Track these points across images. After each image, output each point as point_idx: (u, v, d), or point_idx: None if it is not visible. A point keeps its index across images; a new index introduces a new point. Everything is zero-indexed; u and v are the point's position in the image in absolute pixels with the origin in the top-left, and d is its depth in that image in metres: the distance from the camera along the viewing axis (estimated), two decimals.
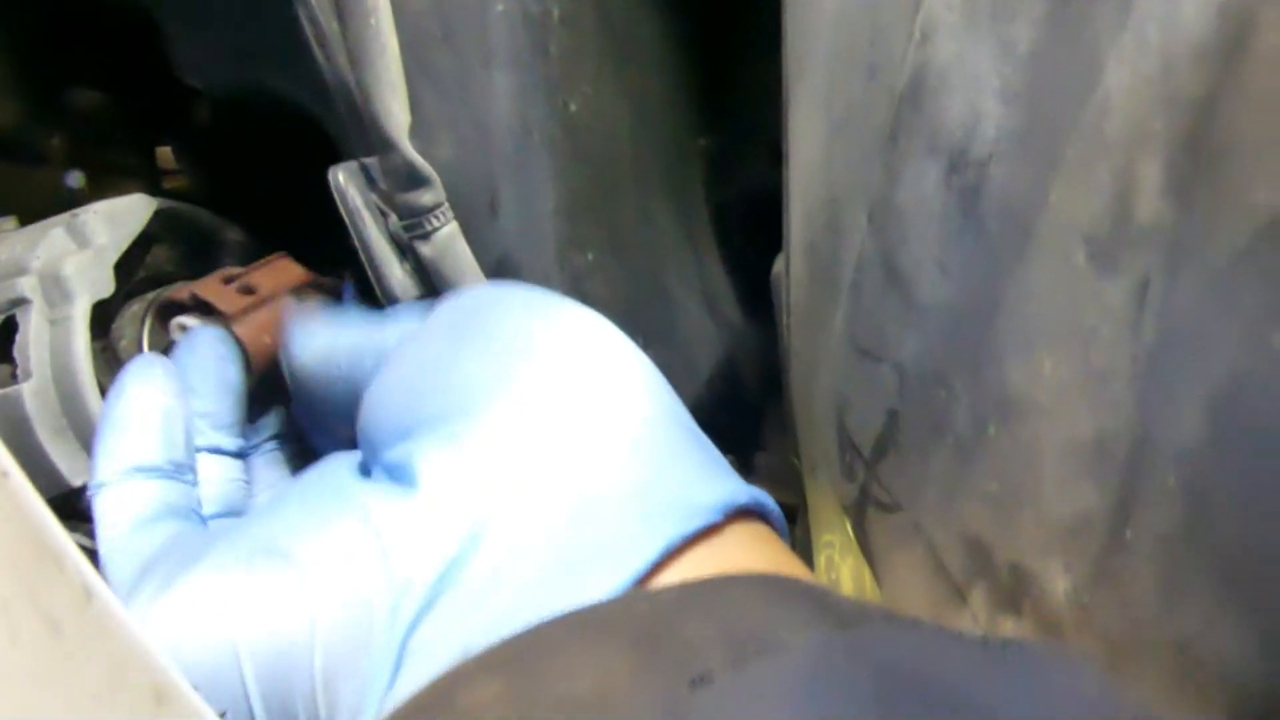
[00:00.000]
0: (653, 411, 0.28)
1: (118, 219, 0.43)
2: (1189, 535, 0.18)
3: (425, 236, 0.34)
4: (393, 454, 0.27)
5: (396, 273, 0.35)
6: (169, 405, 0.33)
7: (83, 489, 0.40)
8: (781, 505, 0.72)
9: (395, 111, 0.32)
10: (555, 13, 0.38)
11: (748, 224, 0.64)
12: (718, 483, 0.27)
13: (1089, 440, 0.20)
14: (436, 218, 0.34)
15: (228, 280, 0.41)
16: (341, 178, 0.35)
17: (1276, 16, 0.15)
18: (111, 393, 0.34)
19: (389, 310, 0.35)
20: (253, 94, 0.44)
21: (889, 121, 0.27)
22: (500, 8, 0.36)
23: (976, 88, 0.21)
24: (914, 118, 0.25)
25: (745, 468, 0.70)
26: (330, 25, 0.35)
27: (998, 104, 0.21)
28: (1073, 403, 0.20)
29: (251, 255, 0.51)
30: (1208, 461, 0.17)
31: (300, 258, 0.44)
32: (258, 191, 0.59)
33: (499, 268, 0.38)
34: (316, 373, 0.33)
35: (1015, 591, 0.24)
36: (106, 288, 0.41)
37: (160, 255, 0.47)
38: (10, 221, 0.49)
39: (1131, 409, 0.19)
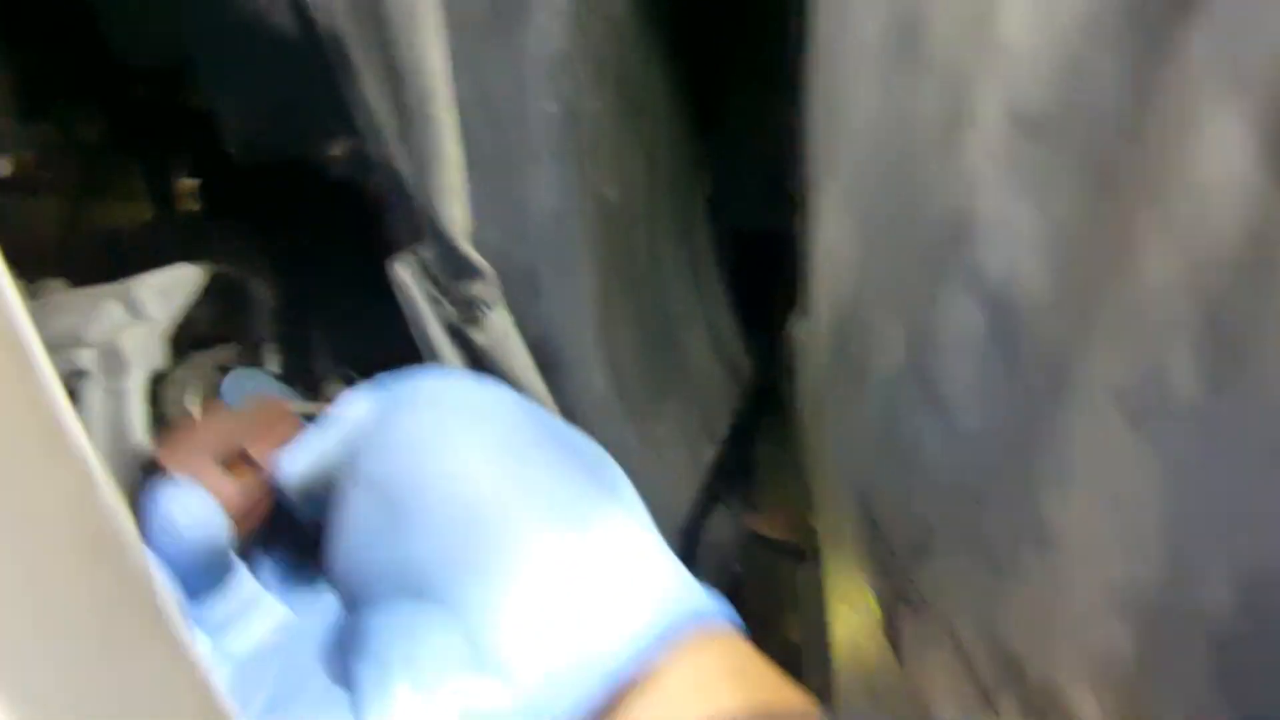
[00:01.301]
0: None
1: (169, 291, 0.45)
2: (1216, 693, 0.19)
3: (479, 324, 0.36)
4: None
5: (452, 360, 0.37)
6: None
7: None
8: (789, 547, 0.72)
9: (456, 216, 0.34)
10: (592, 103, 0.39)
11: (752, 264, 0.65)
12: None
13: (1121, 584, 0.21)
14: (490, 307, 0.36)
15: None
16: (400, 270, 0.36)
17: None
18: None
19: (346, 400, 0.36)
20: (295, 166, 0.45)
21: (927, 246, 0.28)
22: (543, 103, 0.38)
23: (1016, 245, 0.23)
24: (954, 254, 0.26)
25: (750, 506, 0.71)
26: (384, 117, 0.36)
27: (1037, 264, 0.22)
28: (1106, 546, 0.22)
29: (281, 317, 0.53)
30: (1236, 632, 0.18)
31: (324, 314, 0.46)
32: (286, 245, 0.60)
33: (539, 349, 0.40)
34: (313, 489, 0.35)
35: (1045, 707, 0.25)
36: (160, 360, 0.43)
37: (198, 316, 0.49)
38: (58, 284, 0.51)
39: (1164, 566, 0.20)
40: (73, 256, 0.82)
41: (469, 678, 0.26)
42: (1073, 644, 0.24)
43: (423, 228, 0.36)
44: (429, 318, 0.36)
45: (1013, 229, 0.23)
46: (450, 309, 0.36)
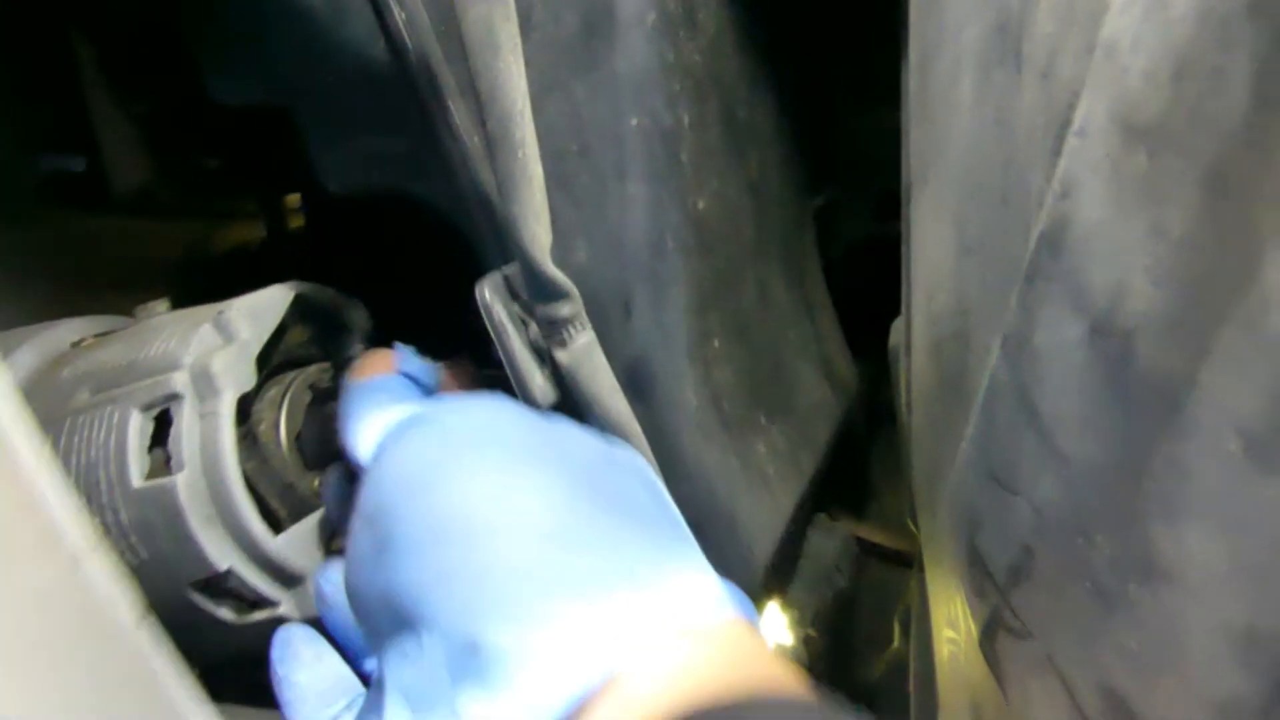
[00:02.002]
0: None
1: (259, 313, 0.46)
2: None
3: (563, 345, 0.36)
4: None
5: (538, 380, 0.36)
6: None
7: (229, 571, 0.42)
8: (896, 552, 0.71)
9: (539, 236, 0.33)
10: (686, 120, 0.39)
11: (858, 276, 0.64)
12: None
13: (1240, 628, 0.20)
14: (574, 327, 0.36)
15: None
16: (488, 292, 0.36)
17: None
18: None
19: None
20: (385, 198, 0.46)
21: (1025, 258, 0.26)
22: (634, 122, 0.37)
23: (1123, 261, 0.21)
24: (1053, 267, 0.25)
25: (858, 515, 0.70)
26: (472, 141, 0.36)
27: (1146, 282, 0.21)
28: (1223, 588, 0.20)
29: (374, 338, 0.54)
30: None
31: (416, 335, 0.46)
32: (382, 269, 0.61)
33: (632, 368, 0.39)
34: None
35: None
36: (250, 381, 0.44)
37: (293, 339, 0.50)
38: (163, 304, 0.53)
39: None
40: (192, 277, 0.85)
41: (464, 694, 0.26)
42: (1186, 687, 0.22)
43: (509, 249, 0.36)
44: (514, 339, 0.36)
45: (1120, 244, 0.21)
46: (535, 330, 0.36)
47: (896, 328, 0.53)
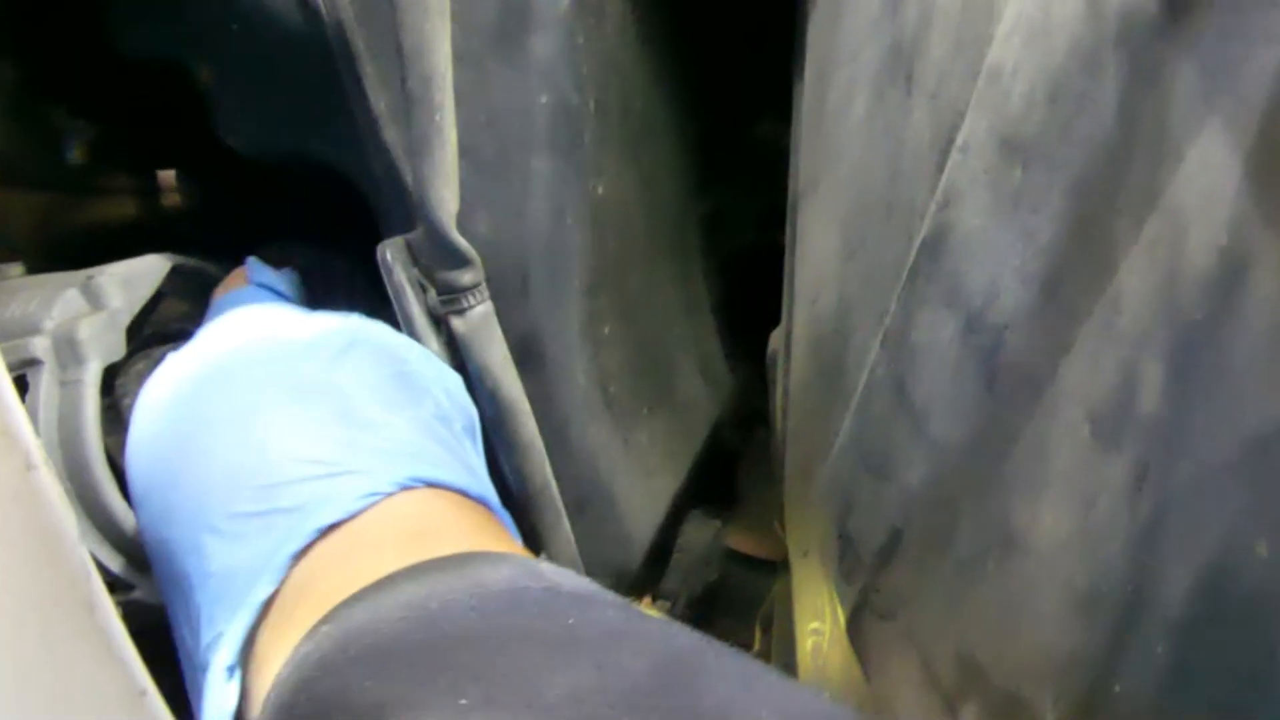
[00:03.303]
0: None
1: (133, 281, 0.43)
2: (1172, 700, 0.20)
3: (461, 313, 0.36)
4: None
5: (433, 346, 0.37)
6: None
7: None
8: (759, 560, 0.73)
9: (447, 200, 0.34)
10: (591, 105, 0.40)
11: (739, 283, 0.66)
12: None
13: (1083, 591, 0.22)
14: (474, 296, 0.36)
15: None
16: (389, 254, 0.36)
17: (1271, 264, 0.17)
18: None
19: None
20: (287, 157, 0.45)
21: (907, 262, 0.29)
22: (544, 99, 0.38)
23: (997, 263, 0.24)
24: (932, 269, 0.27)
25: (723, 517, 0.72)
26: (380, 105, 0.36)
27: (1016, 282, 0.23)
28: (1069, 554, 0.23)
29: None
30: (1193, 637, 0.19)
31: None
32: (266, 233, 0.60)
33: (525, 343, 0.40)
34: None
35: (1006, 714, 0.26)
36: (118, 351, 0.42)
37: (168, 311, 0.48)
38: (16, 268, 0.50)
39: (1124, 573, 0.21)
40: (50, 250, 0.80)
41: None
42: (1035, 649, 0.25)
43: (414, 213, 0.36)
44: (413, 303, 0.37)
45: (994, 248, 0.24)
46: (434, 296, 0.37)
47: (776, 335, 0.56)
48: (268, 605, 0.28)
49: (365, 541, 0.27)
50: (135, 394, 0.46)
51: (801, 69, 0.42)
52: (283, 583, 0.27)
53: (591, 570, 0.45)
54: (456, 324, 0.36)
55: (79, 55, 0.48)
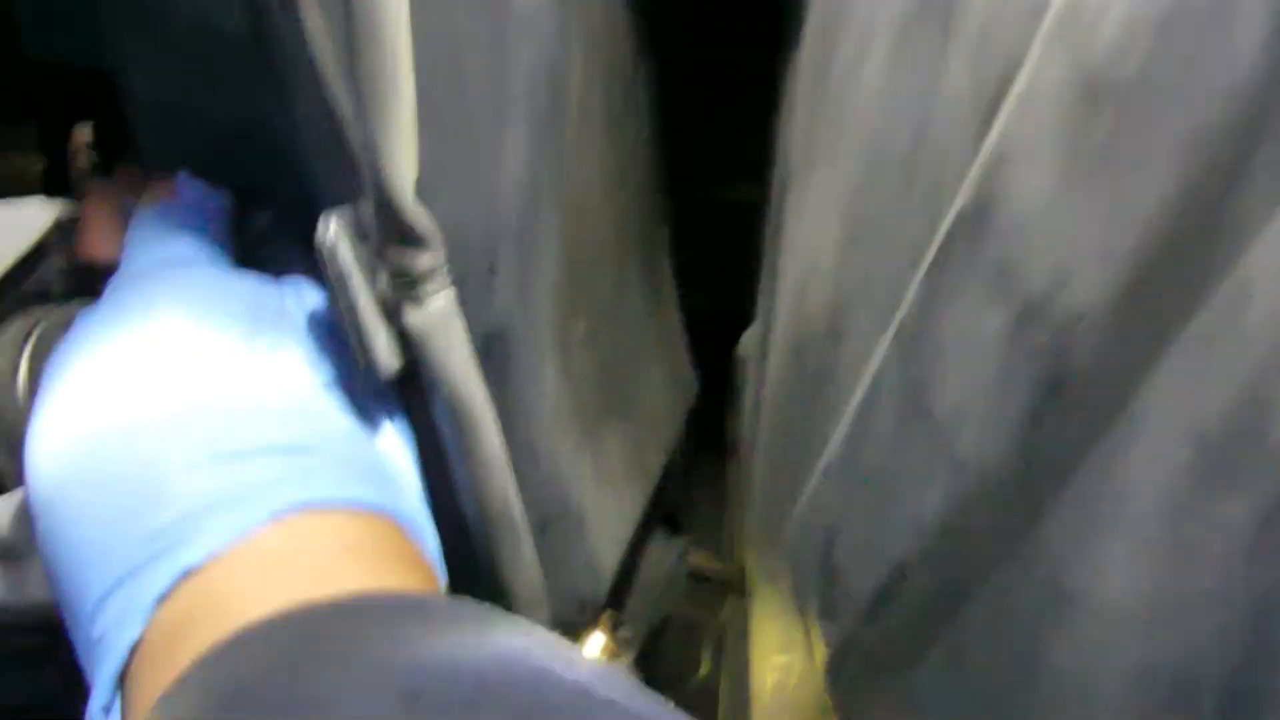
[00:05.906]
0: None
1: (9, 229, 0.38)
2: None
3: (418, 303, 0.30)
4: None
5: (381, 341, 0.31)
6: None
7: None
8: (714, 578, 0.68)
9: (403, 165, 0.28)
10: (579, 65, 0.34)
11: (708, 285, 0.62)
12: None
13: (1165, 675, 0.17)
14: (432, 282, 0.30)
15: None
16: (333, 230, 0.30)
17: None
18: None
19: None
20: (203, 112, 0.39)
21: (931, 244, 0.24)
22: (523, 55, 0.32)
23: (1068, 239, 0.19)
24: (971, 249, 0.22)
25: (676, 529, 0.67)
26: (324, 51, 0.30)
27: (1095, 263, 0.18)
28: (1148, 624, 0.18)
29: None
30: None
31: None
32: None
33: (491, 341, 0.34)
34: None
35: None
36: None
37: (52, 270, 0.42)
38: None
39: (1229, 654, 0.16)
40: None
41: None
42: None
43: (362, 180, 0.30)
44: (360, 290, 0.30)
45: (1067, 221, 0.19)
46: (386, 282, 0.30)
47: (747, 339, 0.51)
48: (136, 649, 0.27)
49: (232, 586, 0.27)
50: (8, 361, 0.39)
51: (799, 32, 0.37)
52: (149, 625, 0.27)
53: (555, 600, 0.39)
54: (412, 317, 0.30)
55: None
